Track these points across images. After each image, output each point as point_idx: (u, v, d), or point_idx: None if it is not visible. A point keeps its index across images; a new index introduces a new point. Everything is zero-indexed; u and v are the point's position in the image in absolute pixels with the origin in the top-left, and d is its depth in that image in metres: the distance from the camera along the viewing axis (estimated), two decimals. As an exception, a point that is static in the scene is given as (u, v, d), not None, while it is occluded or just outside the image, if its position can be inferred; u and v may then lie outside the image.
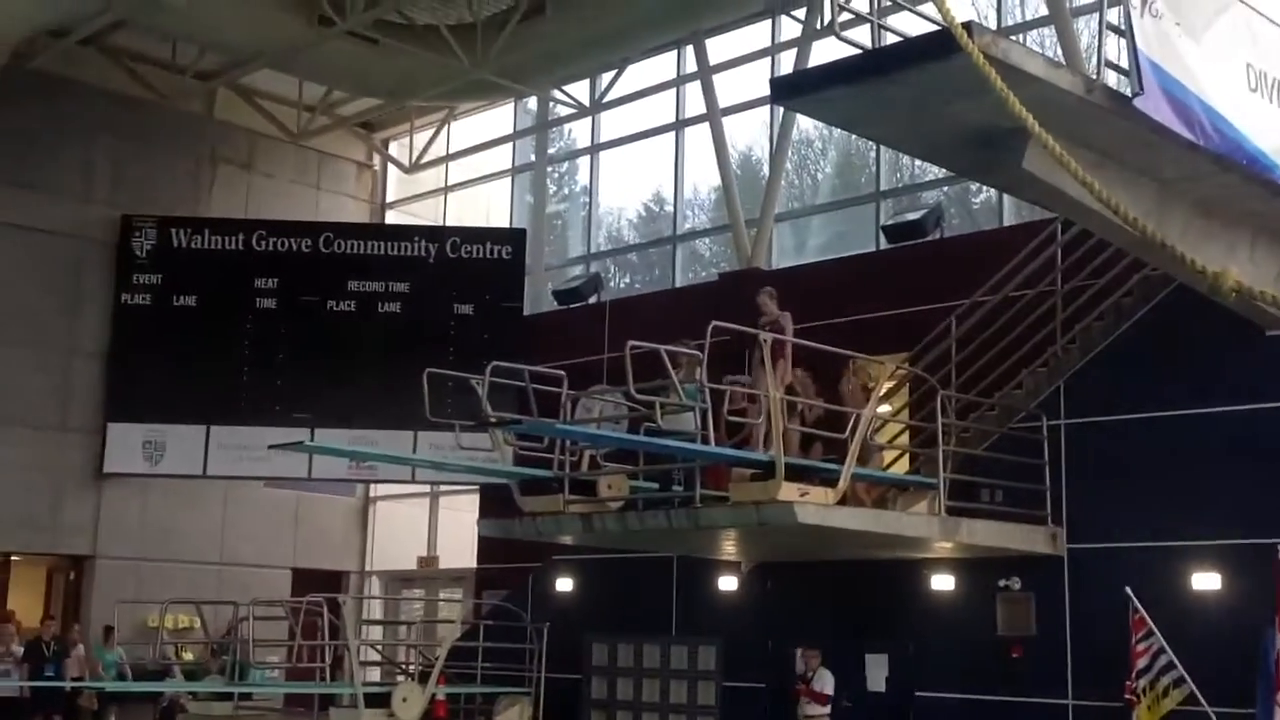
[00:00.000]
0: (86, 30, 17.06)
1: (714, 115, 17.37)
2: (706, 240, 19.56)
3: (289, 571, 20.46)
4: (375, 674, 16.90)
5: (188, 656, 17.88)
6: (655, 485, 11.95)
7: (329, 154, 21.94)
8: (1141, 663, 10.92)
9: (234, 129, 20.83)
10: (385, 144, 22.72)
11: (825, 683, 12.73)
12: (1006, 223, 15.21)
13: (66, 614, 18.68)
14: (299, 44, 17.18)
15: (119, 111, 19.52)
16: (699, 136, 18.47)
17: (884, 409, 12.49)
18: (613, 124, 20.12)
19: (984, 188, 15.47)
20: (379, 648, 17.32)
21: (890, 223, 15.65)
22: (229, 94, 20.39)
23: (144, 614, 17.98)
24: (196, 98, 20.12)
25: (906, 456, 13.44)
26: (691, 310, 14.79)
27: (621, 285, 20.31)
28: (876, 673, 13.11)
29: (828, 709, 12.70)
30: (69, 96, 18.99)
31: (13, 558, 18.85)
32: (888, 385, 12.20)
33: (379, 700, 13.87)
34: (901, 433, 13.55)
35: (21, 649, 17.03)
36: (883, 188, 16.74)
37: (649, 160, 19.75)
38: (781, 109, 16.34)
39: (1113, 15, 8.35)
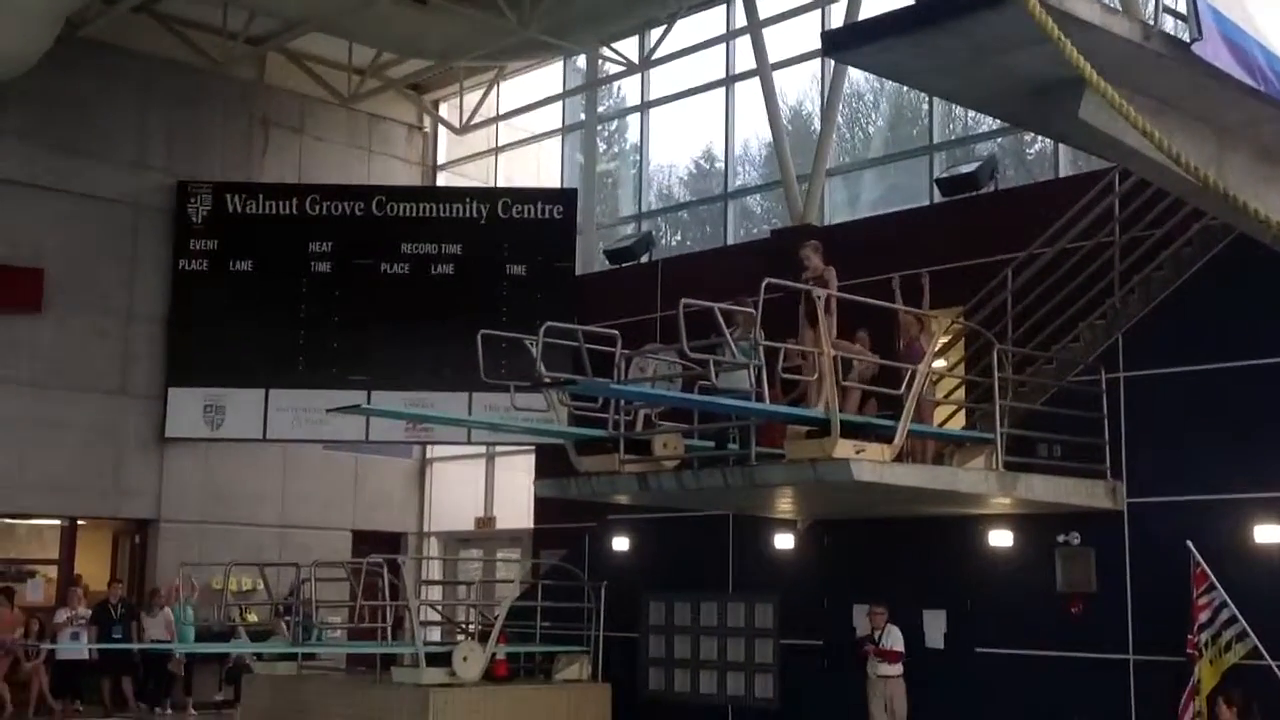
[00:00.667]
0: (138, -2, 17.20)
1: (764, 70, 17.21)
2: (758, 197, 19.45)
3: (349, 533, 20.69)
4: (435, 634, 17.12)
5: (252, 618, 18.16)
6: (710, 444, 11.96)
7: (380, 117, 21.99)
8: (1203, 617, 10.81)
9: (285, 93, 20.92)
10: (435, 105, 22.74)
11: (895, 640, 12.65)
12: (1063, 173, 14.99)
13: (133, 577, 19.00)
14: (348, 7, 17.20)
15: (172, 78, 19.65)
16: (749, 92, 18.32)
17: (940, 364, 12.40)
18: (662, 81, 20.01)
19: (1039, 138, 15.25)
20: (439, 608, 17.51)
21: (944, 175, 15.47)
22: (280, 59, 20.47)
23: (208, 576, 18.29)
24: (248, 63, 20.21)
25: (963, 412, 13.33)
26: (744, 267, 14.76)
27: (673, 243, 20.25)
28: (934, 629, 13.03)
29: (900, 667, 12.64)
30: (122, 64, 19.14)
31: (79, 522, 19.16)
32: (944, 340, 12.11)
33: (440, 659, 14.04)
34: (958, 388, 13.44)
35: (89, 612, 17.42)
36: (936, 140, 16.54)
37: (699, 117, 19.65)
38: (832, 62, 16.17)
39: (1171, -41, 8.18)
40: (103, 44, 18.57)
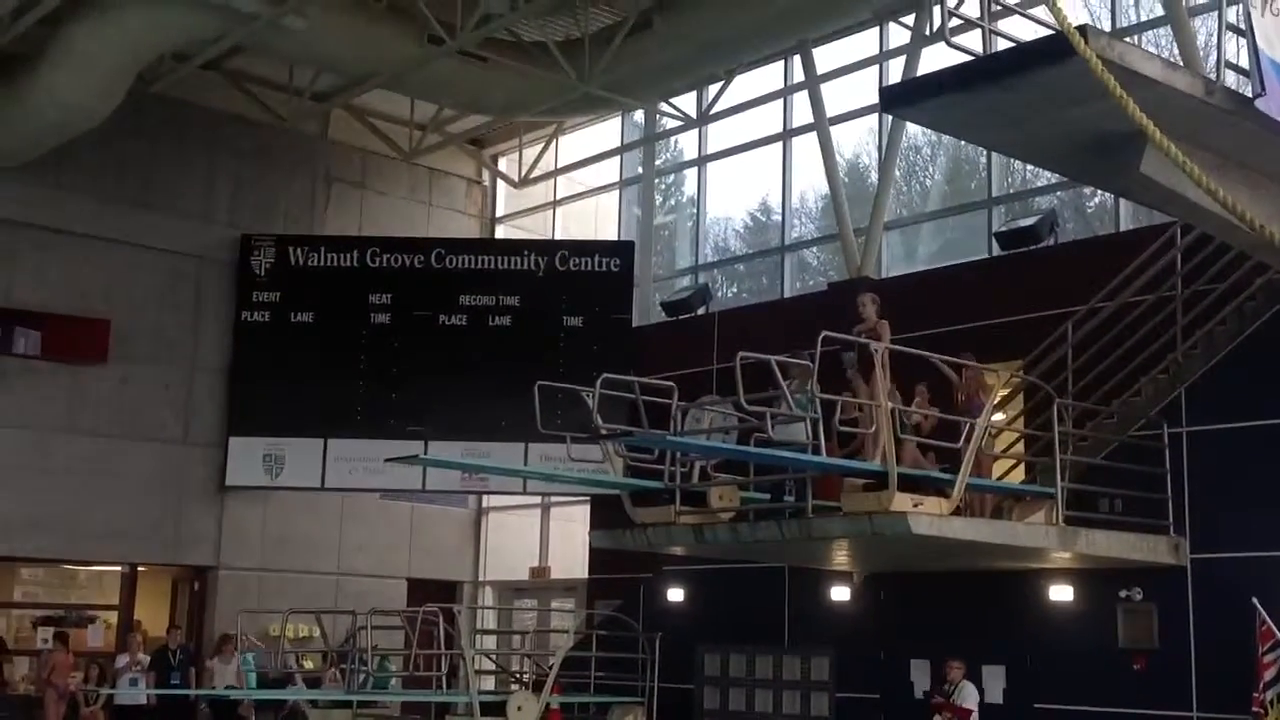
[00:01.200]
0: (207, 55, 17.56)
1: (822, 124, 17.30)
2: (814, 250, 19.50)
3: (404, 581, 20.77)
4: (490, 683, 17.12)
5: (308, 665, 18.25)
6: (766, 495, 11.97)
7: (440, 171, 22.29)
8: (1269, 674, 10.65)
9: (348, 149, 21.27)
10: (495, 160, 23.01)
11: (968, 697, 12.27)
12: (1124, 227, 14.94)
13: (191, 623, 19.17)
14: (410, 64, 17.50)
15: (238, 133, 20.04)
16: (806, 145, 18.42)
17: (998, 417, 12.35)
18: (720, 135, 20.16)
19: (1099, 191, 15.22)
20: (493, 657, 17.53)
21: (1003, 229, 15.45)
22: (343, 114, 20.82)
23: (265, 623, 18.41)
24: (312, 119, 20.58)
25: (1023, 466, 13.26)
26: (800, 320, 14.81)
27: (729, 296, 20.31)
28: (994, 684, 12.93)
29: None
30: (191, 120, 19.54)
31: (139, 568, 19.37)
32: (1002, 393, 12.06)
33: (494, 709, 14.05)
34: (1017, 441, 13.37)
35: (148, 658, 17.57)
36: (994, 193, 16.53)
37: (756, 170, 19.76)
38: (890, 117, 16.25)
39: (1232, 14, 8.20)
40: (172, 100, 18.97)
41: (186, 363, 19.37)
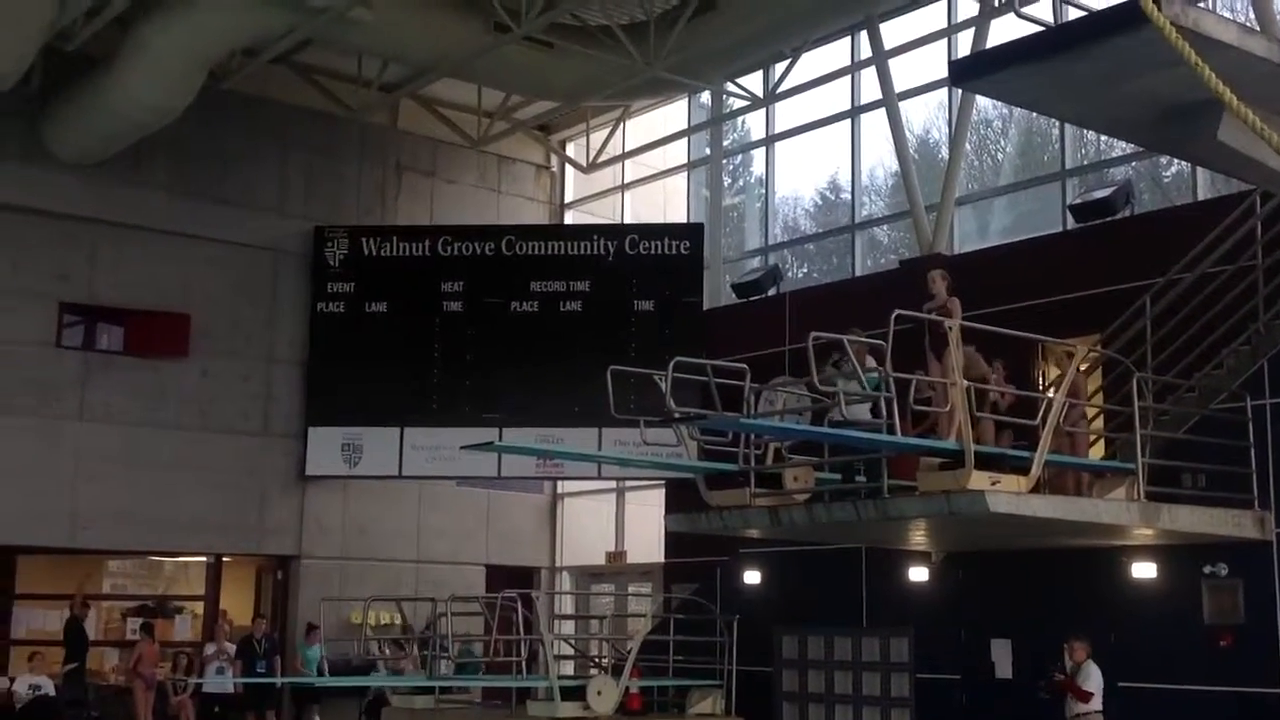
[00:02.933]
0: (277, 50, 17.77)
1: (890, 100, 17.14)
2: (885, 227, 19.33)
3: (483, 568, 20.95)
4: (569, 667, 17.22)
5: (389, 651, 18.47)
6: (840, 476, 11.90)
7: (508, 158, 22.37)
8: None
9: (417, 138, 21.42)
10: (562, 145, 23.06)
11: (1090, 678, 11.85)
12: (1201, 196, 14.65)
13: (275, 612, 19.48)
14: (476, 52, 17.56)
15: (309, 126, 20.25)
16: (875, 122, 18.26)
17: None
18: (787, 113, 20.04)
19: (1176, 161, 14.93)
20: (572, 642, 17.63)
21: (1077, 201, 15.21)
22: (412, 104, 20.97)
23: (347, 611, 18.66)
24: (381, 109, 20.75)
25: (1102, 442, 13.07)
26: (873, 299, 14.67)
27: (800, 276, 20.20)
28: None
29: (1094, 707, 11.81)
30: (262, 114, 19.78)
31: (224, 559, 19.71)
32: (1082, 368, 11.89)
33: (574, 693, 14.13)
34: (1096, 417, 13.17)
35: (234, 646, 17.91)
36: (1068, 166, 16.27)
37: (825, 148, 19.62)
38: (960, 91, 16.04)
39: (1310, -25, 7.99)
40: (243, 95, 19.21)
41: (264, 355, 19.64)
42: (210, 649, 17.84)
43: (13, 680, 16.32)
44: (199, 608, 19.64)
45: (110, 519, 17.93)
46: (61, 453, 17.76)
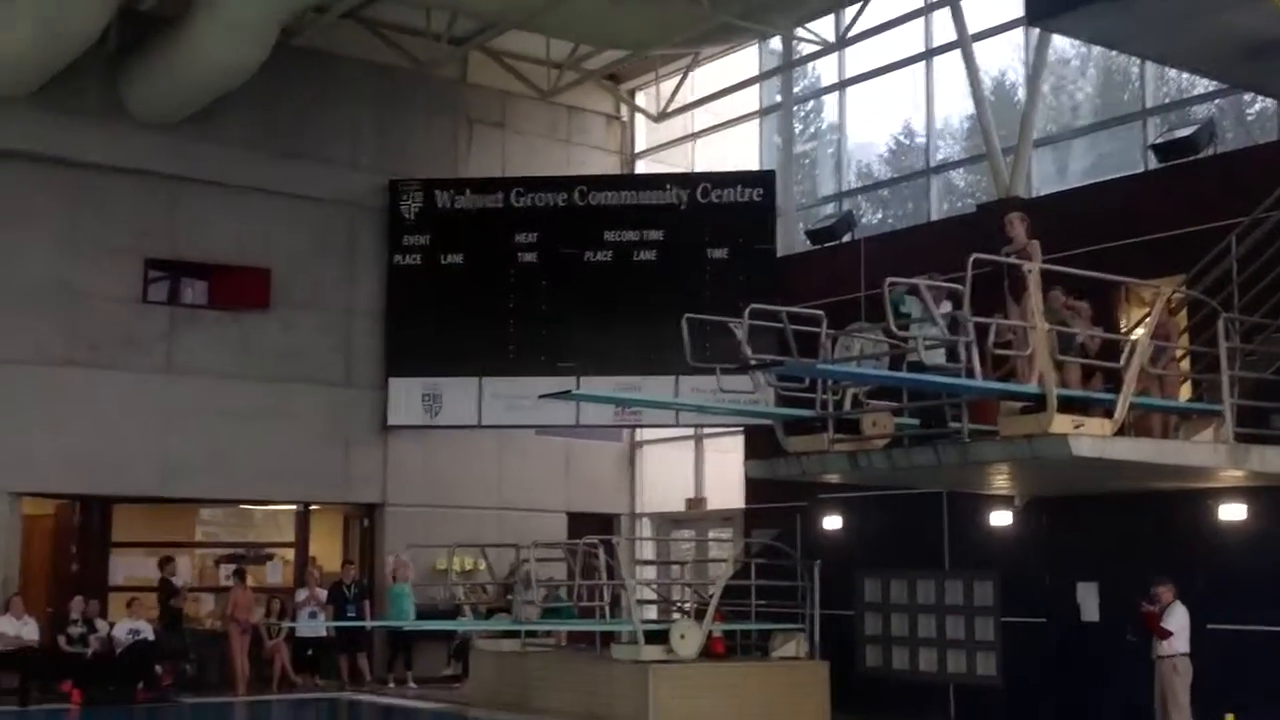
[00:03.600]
0: (348, 4, 17.88)
1: (965, 42, 16.90)
2: (961, 171, 19.13)
3: (564, 515, 21.21)
4: (651, 612, 17.44)
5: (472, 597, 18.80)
6: (914, 421, 11.91)
7: (578, 108, 22.40)
8: None
9: (487, 90, 21.49)
10: (632, 95, 23.03)
11: (1175, 619, 11.70)
12: (1287, 133, 14.38)
13: (362, 559, 19.89)
14: (545, 3, 17.58)
15: (380, 81, 20.40)
16: (949, 65, 18.05)
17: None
18: (859, 58, 19.85)
19: (1260, 97, 14.64)
20: (654, 587, 17.84)
21: (1159, 141, 14.98)
22: (481, 57, 21.05)
23: (432, 558, 19.01)
24: (451, 63, 20.84)
25: (1188, 384, 12.95)
26: (949, 243, 14.59)
27: (874, 222, 20.10)
28: (1162, 606, 12.74)
29: (1179, 649, 11.64)
30: (334, 70, 19.95)
31: (312, 507, 20.13)
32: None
33: (657, 637, 14.34)
34: (1183, 358, 13.05)
35: (325, 592, 18.35)
36: (1149, 104, 16.02)
37: (897, 93, 19.43)
38: (1037, 30, 15.82)
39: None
40: (315, 51, 19.40)
41: (344, 307, 19.94)
42: (302, 594, 18.28)
43: (112, 625, 16.84)
44: (289, 554, 20.11)
45: (199, 469, 18.39)
46: (150, 405, 18.21)
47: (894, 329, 10.32)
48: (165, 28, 17.11)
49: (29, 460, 17.29)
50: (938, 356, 10.50)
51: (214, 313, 18.99)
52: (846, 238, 18.60)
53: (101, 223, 18.25)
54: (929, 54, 18.61)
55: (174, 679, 17.14)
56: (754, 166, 21.20)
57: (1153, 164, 15.07)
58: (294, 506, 20.03)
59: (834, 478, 13.35)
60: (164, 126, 18.31)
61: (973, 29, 17.04)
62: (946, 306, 10.52)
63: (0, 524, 17.25)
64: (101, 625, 16.81)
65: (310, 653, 18.26)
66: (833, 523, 16.18)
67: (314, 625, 18.03)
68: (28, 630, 16.28)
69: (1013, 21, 17.09)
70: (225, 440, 18.50)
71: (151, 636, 16.82)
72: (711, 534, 20.36)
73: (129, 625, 16.75)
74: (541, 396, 14.48)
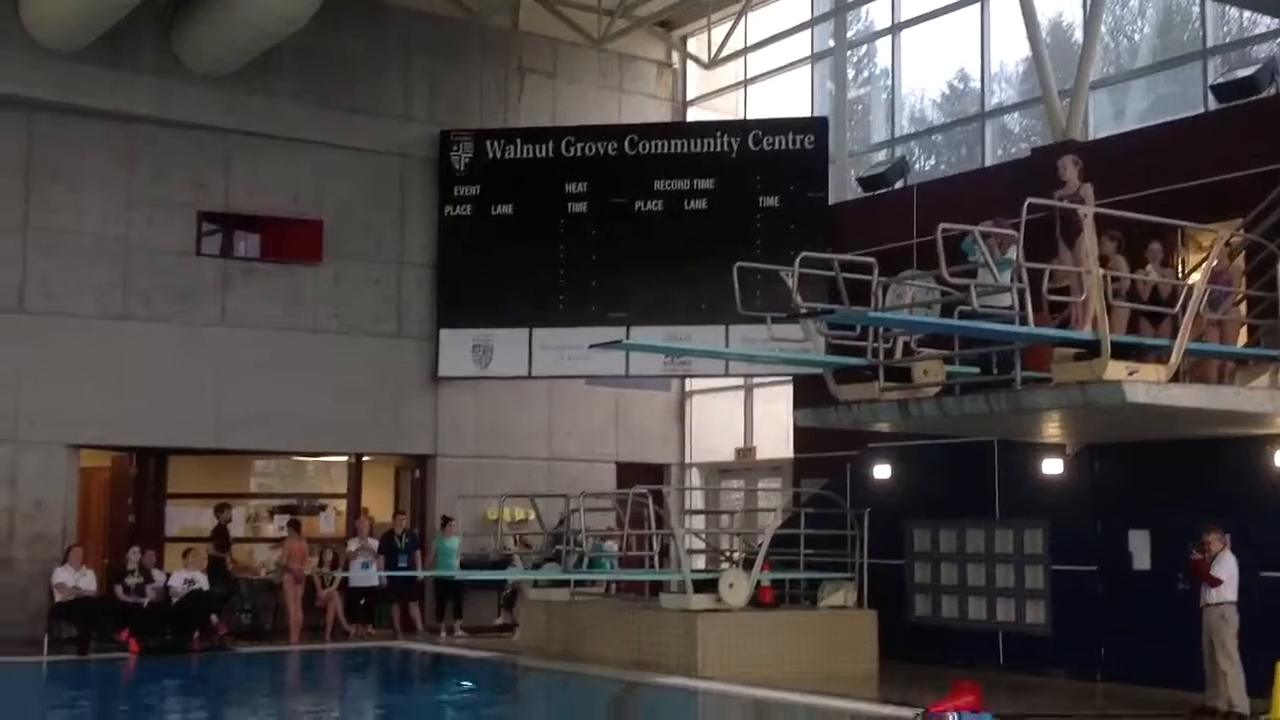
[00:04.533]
0: (396, -46, 17.86)
1: (1021, -18, 16.58)
2: (1017, 115, 18.81)
3: (613, 465, 21.25)
4: (700, 562, 17.46)
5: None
6: (974, 369, 11.78)
7: (629, 56, 22.25)
8: None
9: (538, 39, 21.39)
10: (684, 41, 22.83)
11: (1223, 566, 11.37)
12: (1352, 71, 13.98)
13: (414, 509, 20.05)
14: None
15: (431, 31, 20.36)
16: (1005, 6, 17.71)
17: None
18: (913, 1, 19.52)
19: (1325, 35, 14.26)
20: (703, 536, 17.85)
21: (1220, 81, 14.64)
22: (532, 5, 20.96)
23: (482, 508, 19.13)
24: (502, 11, 20.76)
25: (1245, 329, 12.71)
26: (1003, 189, 14.39)
27: (927, 168, 19.84)
28: (1217, 554, 12.56)
29: (1227, 596, 11.30)
30: (384, 20, 19.94)
31: (364, 458, 20.29)
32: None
33: (706, 586, 14.35)
34: (1240, 303, 12.79)
35: (377, 542, 18.51)
36: (1209, 44, 15.65)
37: (951, 36, 19.10)
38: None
39: None
40: (367, 1, 19.39)
41: (395, 259, 19.99)
42: (354, 544, 18.45)
43: (169, 576, 17.09)
44: (342, 505, 20.29)
45: (253, 421, 18.56)
46: (205, 357, 18.38)
47: (947, 277, 10.13)
48: (217, -21, 17.13)
49: (86, 413, 17.54)
50: (1004, 301, 10.35)
51: (266, 265, 19.11)
52: (899, 184, 18.39)
53: (155, 177, 18.38)
54: (984, -5, 18.26)
55: (229, 628, 17.38)
56: (806, 113, 20.97)
57: (1213, 105, 14.73)
58: (346, 458, 20.19)
59: (884, 426, 13.26)
60: (216, 80, 18.38)
61: (1029, -31, 16.70)
62: (1012, 252, 10.36)
63: (58, 476, 17.53)
64: (158, 575, 17.04)
65: (363, 602, 18.46)
66: (882, 472, 16.08)
67: (366, 575, 18.21)
68: (86, 581, 16.54)
69: (1070, -39, 16.73)
70: (278, 392, 18.67)
71: (206, 586, 17.04)
72: (761, 483, 20.32)
73: (184, 575, 16.98)
74: (591, 346, 14.43)
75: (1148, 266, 11.80)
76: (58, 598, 16.30)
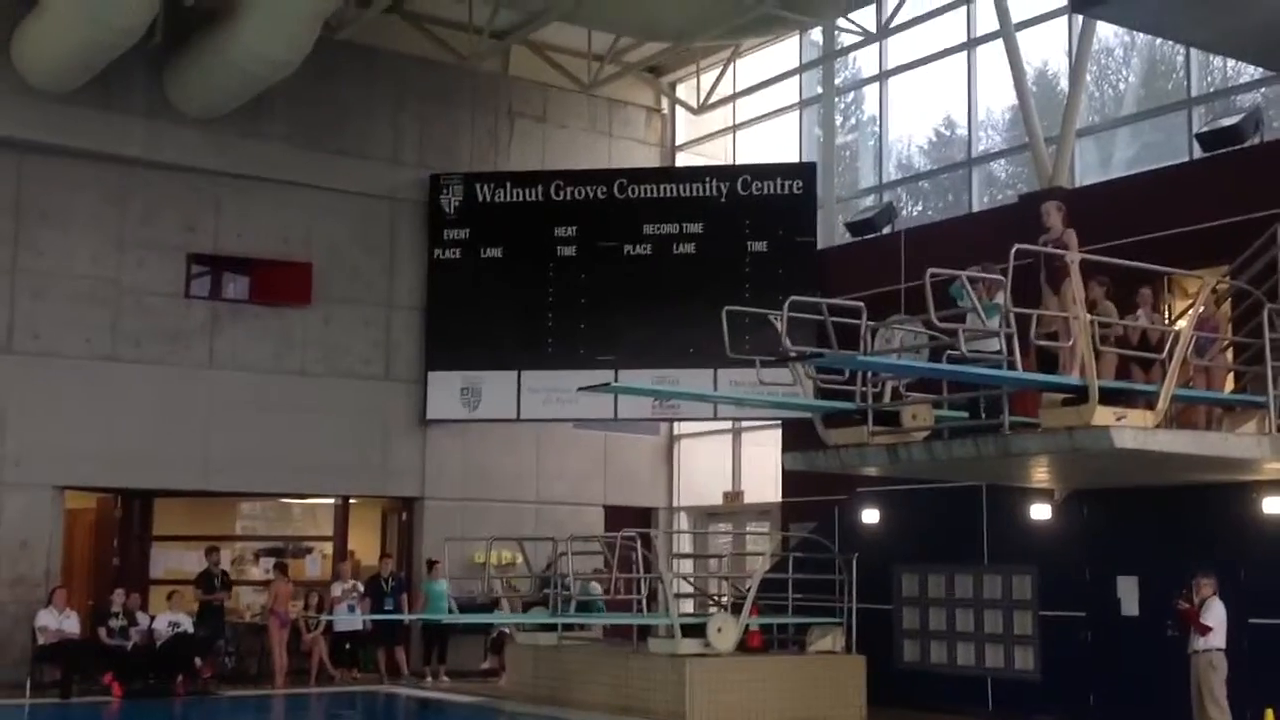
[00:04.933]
0: (388, -1, 17.92)
1: (1008, 31, 16.75)
2: (1003, 162, 18.97)
3: (601, 508, 21.20)
4: (688, 606, 17.38)
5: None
6: (963, 414, 11.81)
7: (619, 101, 22.39)
8: None
9: (528, 84, 21.51)
10: (673, 87, 22.98)
11: (1212, 613, 11.41)
12: (1335, 121, 14.14)
13: (400, 552, 19.95)
14: (586, -6, 17.56)
15: (422, 75, 20.46)
16: (991, 55, 17.88)
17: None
18: (901, 49, 19.71)
19: (1308, 85, 14.42)
20: (691, 580, 17.78)
21: (1204, 130, 14.78)
22: (523, 50, 21.07)
23: (470, 551, 19.05)
24: (493, 56, 20.87)
25: (1232, 375, 12.77)
26: (990, 234, 14.45)
27: (914, 214, 19.96)
28: (1204, 600, 12.56)
29: (1215, 643, 11.37)
30: (376, 64, 20.03)
31: (350, 500, 20.21)
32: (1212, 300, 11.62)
33: (694, 630, 14.29)
34: (1226, 349, 12.86)
35: (363, 585, 18.41)
36: (1194, 93, 15.81)
37: (938, 83, 19.27)
38: (1080, 18, 15.64)
39: None
40: (358, 46, 19.48)
41: (384, 301, 20.00)
42: (338, 588, 18.33)
43: (153, 618, 16.95)
44: (328, 548, 20.19)
45: (240, 462, 18.50)
46: (193, 399, 18.34)
47: (936, 321, 10.18)
48: (209, 23, 17.19)
49: (72, 454, 17.46)
50: (992, 346, 10.39)
51: (255, 307, 19.11)
52: (887, 229, 18.48)
53: (145, 218, 18.40)
54: (971, 44, 18.45)
55: (214, 671, 17.24)
56: (794, 159, 21.10)
57: (1197, 153, 14.86)
58: (333, 500, 20.12)
59: (873, 471, 13.28)
60: (207, 122, 18.43)
61: (1016, 18, 16.89)
62: (1000, 297, 10.41)
63: (43, 517, 17.43)
64: (142, 618, 16.91)
65: (348, 646, 18.34)
66: (870, 516, 16.06)
67: (351, 618, 18.09)
68: (69, 623, 16.40)
69: (1056, 10, 16.92)
70: (266, 434, 18.61)
71: (191, 629, 16.91)
72: (749, 527, 20.28)
73: (169, 618, 16.85)
74: (580, 389, 14.41)
75: (1138, 311, 11.87)
76: (41, 640, 16.18)
